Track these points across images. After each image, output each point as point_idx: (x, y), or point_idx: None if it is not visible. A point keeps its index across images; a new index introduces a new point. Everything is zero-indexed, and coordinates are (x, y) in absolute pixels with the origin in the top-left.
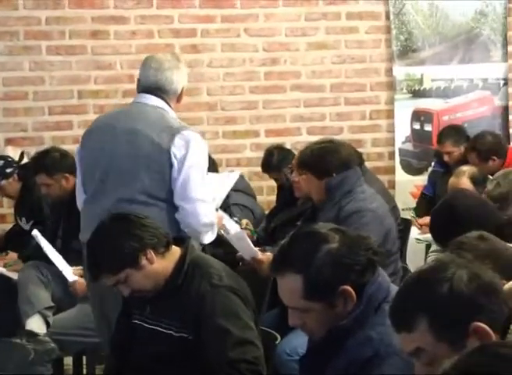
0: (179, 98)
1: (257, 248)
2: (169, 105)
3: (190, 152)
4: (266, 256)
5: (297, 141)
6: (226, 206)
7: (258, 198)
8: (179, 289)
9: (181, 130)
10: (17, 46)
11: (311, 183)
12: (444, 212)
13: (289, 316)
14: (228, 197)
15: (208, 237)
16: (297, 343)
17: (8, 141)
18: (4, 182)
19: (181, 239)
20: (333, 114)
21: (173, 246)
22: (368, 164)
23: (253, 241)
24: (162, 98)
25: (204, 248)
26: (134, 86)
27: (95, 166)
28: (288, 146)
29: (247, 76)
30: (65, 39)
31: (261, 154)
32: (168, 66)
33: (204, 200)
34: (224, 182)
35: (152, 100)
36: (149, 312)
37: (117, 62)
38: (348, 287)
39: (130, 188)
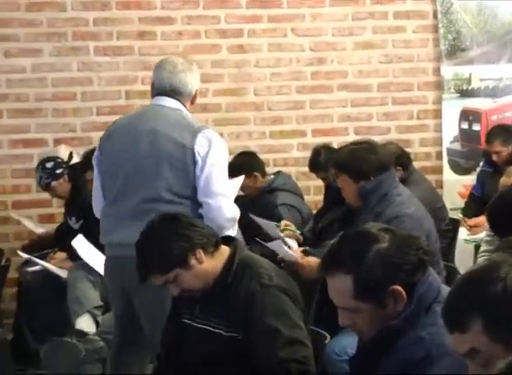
0: (193, 100)
1: (300, 249)
2: (185, 107)
3: (213, 150)
4: (306, 261)
5: (344, 141)
6: (273, 206)
7: (305, 197)
8: (228, 288)
9: (202, 129)
10: (65, 47)
11: (348, 185)
12: (501, 203)
13: (340, 316)
14: (275, 197)
15: (230, 234)
16: (346, 343)
17: (57, 141)
18: (54, 183)
19: (229, 239)
20: (380, 114)
21: (222, 246)
22: (415, 164)
23: (298, 241)
24: (178, 100)
25: (253, 248)
26: None
27: (117, 169)
28: (335, 146)
29: (294, 76)
30: (113, 40)
31: (308, 154)
32: (181, 68)
33: (227, 195)
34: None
35: (169, 102)
36: (198, 311)
37: None
38: (398, 287)
39: (155, 187)
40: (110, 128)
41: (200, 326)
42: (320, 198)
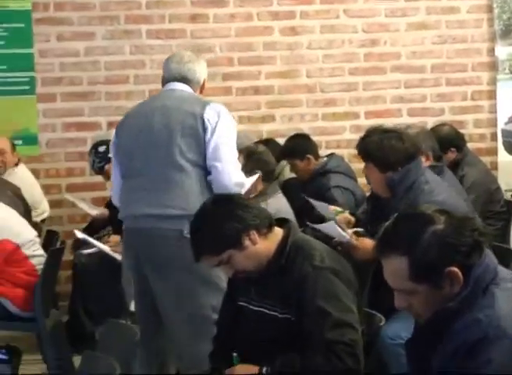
0: (201, 89)
1: (352, 230)
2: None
3: (221, 120)
4: (361, 242)
5: (398, 123)
6: (327, 189)
7: (358, 180)
8: (281, 270)
9: (211, 102)
10: (118, 30)
11: (374, 174)
12: None
13: (396, 298)
14: (328, 179)
15: None
16: (400, 326)
17: (110, 125)
18: (107, 166)
19: (283, 220)
20: (434, 95)
21: (276, 227)
22: (469, 145)
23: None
24: (188, 85)
25: (306, 230)
26: (234, 69)
27: (133, 146)
28: None
29: (347, 58)
30: (165, 23)
31: (360, 136)
32: (188, 59)
33: (234, 163)
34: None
35: (178, 85)
36: (254, 293)
37: (216, 45)
38: (454, 269)
39: (169, 154)
40: (124, 118)
41: (256, 308)
42: None
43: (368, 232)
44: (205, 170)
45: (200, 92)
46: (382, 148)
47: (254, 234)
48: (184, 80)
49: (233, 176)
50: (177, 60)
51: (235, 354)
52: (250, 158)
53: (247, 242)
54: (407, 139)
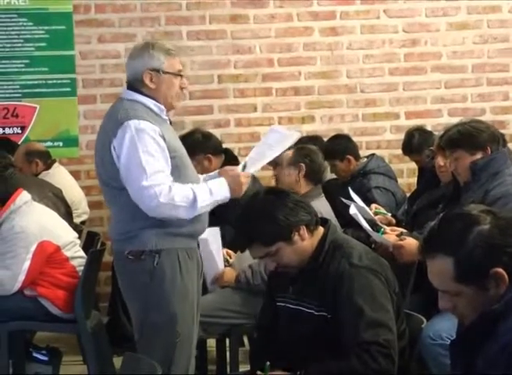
0: (146, 83)
1: (395, 232)
2: (141, 93)
3: (126, 140)
4: (407, 242)
5: (438, 123)
6: (367, 189)
7: (399, 180)
8: (319, 268)
9: (124, 122)
10: (158, 31)
11: (462, 160)
12: None
13: (440, 299)
14: (369, 180)
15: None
16: (441, 327)
17: None
18: None
19: (323, 220)
20: (475, 95)
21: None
22: (510, 146)
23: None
24: (130, 88)
25: (347, 231)
26: (274, 70)
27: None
28: (429, 128)
29: (387, 58)
30: (206, 24)
31: (401, 136)
32: (130, 58)
33: (144, 183)
34: (284, 140)
35: (123, 93)
36: (292, 292)
37: (256, 45)
38: (500, 270)
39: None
40: None
41: (293, 306)
42: (413, 180)
43: (411, 233)
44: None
45: (145, 86)
46: (467, 131)
47: (304, 230)
48: (127, 82)
49: (147, 200)
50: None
51: (268, 363)
52: (299, 151)
53: (296, 237)
54: (489, 126)
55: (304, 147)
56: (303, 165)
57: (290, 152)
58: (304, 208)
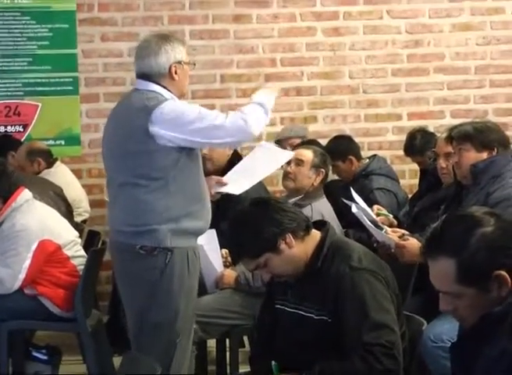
0: (171, 75)
1: (397, 233)
2: (160, 85)
3: (167, 117)
4: (409, 242)
5: (441, 124)
6: (369, 190)
7: (400, 181)
8: (318, 272)
9: (156, 107)
10: (161, 31)
11: (468, 156)
12: None
13: (441, 301)
14: (371, 181)
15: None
16: (442, 329)
17: None
18: None
19: (322, 223)
20: (478, 96)
21: (314, 230)
22: None
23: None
24: (148, 80)
25: (348, 232)
26: (277, 70)
27: (104, 157)
28: (431, 129)
29: (390, 59)
30: (209, 23)
31: (403, 137)
32: (145, 53)
33: (210, 120)
34: (277, 158)
35: (140, 84)
36: (291, 296)
37: (259, 45)
38: (503, 272)
39: (122, 173)
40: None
41: (292, 310)
42: (415, 181)
43: (413, 234)
44: (164, 185)
45: (172, 78)
46: (481, 127)
47: (290, 238)
48: (145, 75)
49: (235, 125)
50: (136, 56)
51: (274, 363)
52: (322, 157)
53: (283, 246)
54: (500, 128)
55: (324, 153)
56: (323, 171)
57: (310, 152)
58: (289, 216)
